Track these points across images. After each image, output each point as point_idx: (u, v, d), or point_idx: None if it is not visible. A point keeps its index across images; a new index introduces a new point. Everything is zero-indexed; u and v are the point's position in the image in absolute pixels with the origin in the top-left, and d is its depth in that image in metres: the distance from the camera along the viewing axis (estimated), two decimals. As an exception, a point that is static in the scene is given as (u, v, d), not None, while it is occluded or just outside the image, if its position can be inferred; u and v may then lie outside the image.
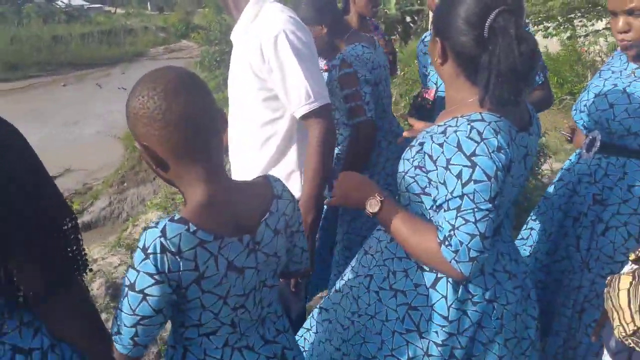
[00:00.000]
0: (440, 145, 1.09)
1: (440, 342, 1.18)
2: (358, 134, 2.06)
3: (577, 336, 1.70)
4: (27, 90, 10.53)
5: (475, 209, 1.05)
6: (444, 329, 1.18)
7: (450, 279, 1.18)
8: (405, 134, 1.69)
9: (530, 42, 1.06)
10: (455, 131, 1.09)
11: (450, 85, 1.22)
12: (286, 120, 1.64)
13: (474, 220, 1.05)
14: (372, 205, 1.22)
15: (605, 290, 1.08)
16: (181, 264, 0.92)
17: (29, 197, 0.93)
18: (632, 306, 0.97)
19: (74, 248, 1.01)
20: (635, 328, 0.96)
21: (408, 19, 10.17)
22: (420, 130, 1.33)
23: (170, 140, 0.93)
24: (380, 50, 2.22)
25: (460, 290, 1.19)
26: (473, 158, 1.05)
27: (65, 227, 0.99)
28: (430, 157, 1.12)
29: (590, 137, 1.62)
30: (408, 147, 1.24)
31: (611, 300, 1.03)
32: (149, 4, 30.74)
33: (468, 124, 1.08)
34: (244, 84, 1.64)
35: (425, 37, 2.18)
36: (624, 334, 0.98)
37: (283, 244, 1.11)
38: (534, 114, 1.27)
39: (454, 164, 1.07)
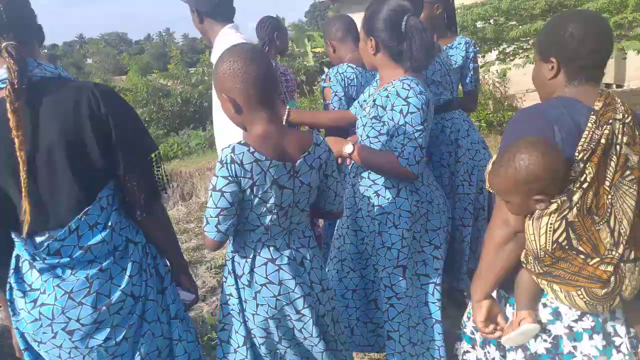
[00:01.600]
0: (387, 97, 1.73)
1: (409, 228, 1.81)
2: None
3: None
4: None
5: (414, 130, 1.68)
6: (409, 219, 1.81)
7: (407, 189, 1.82)
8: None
9: (428, 32, 1.72)
10: (394, 87, 1.72)
11: (382, 67, 1.83)
12: None
13: (414, 138, 1.68)
14: (348, 148, 1.84)
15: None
16: (242, 172, 1.31)
17: (144, 133, 1.41)
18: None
19: (159, 172, 1.43)
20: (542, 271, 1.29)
21: (326, 69, 10.93)
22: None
23: (247, 91, 1.34)
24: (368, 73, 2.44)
25: (414, 195, 1.82)
26: (407, 99, 1.68)
27: (155, 157, 1.41)
28: (381, 106, 1.75)
29: None
30: (362, 107, 1.86)
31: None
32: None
33: (400, 82, 1.73)
34: None
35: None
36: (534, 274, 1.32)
37: (316, 179, 1.48)
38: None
39: (396, 105, 1.70)
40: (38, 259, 1.27)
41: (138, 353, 1.36)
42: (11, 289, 1.31)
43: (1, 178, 1.26)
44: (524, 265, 1.33)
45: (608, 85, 11.96)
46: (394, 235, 1.80)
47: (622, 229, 1.22)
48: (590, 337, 1.30)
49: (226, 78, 1.34)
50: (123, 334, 1.33)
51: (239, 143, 1.33)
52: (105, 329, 1.31)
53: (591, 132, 1.20)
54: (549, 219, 1.21)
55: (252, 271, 1.45)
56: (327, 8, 14.82)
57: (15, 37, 1.23)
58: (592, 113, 1.22)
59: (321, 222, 3.02)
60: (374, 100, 1.79)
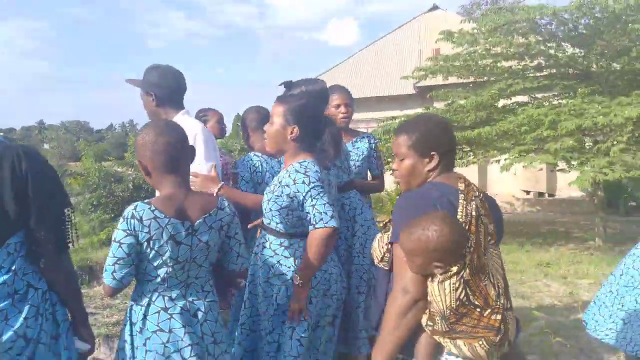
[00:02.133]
0: (289, 176, 1.98)
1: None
2: None
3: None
4: None
5: (318, 195, 1.89)
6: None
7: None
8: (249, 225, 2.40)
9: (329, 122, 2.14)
10: (293, 167, 2.00)
11: (292, 153, 2.08)
12: None
13: (322, 200, 1.89)
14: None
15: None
16: (140, 226, 1.52)
17: (59, 191, 1.58)
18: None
19: (69, 226, 1.63)
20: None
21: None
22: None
23: (153, 159, 1.62)
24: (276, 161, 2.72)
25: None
26: (306, 172, 1.95)
27: (68, 213, 1.60)
28: (286, 185, 1.97)
29: None
30: (270, 188, 2.09)
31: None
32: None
33: (298, 163, 2.01)
34: None
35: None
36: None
37: (216, 239, 1.68)
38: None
39: (298, 179, 1.94)
40: None
41: None
42: None
43: None
44: (429, 329, 1.48)
45: (541, 194, 13.03)
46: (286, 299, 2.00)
47: (499, 283, 1.49)
48: None
49: (139, 147, 1.63)
50: None
51: (142, 202, 1.57)
52: None
53: (464, 208, 1.48)
54: (450, 281, 1.42)
55: (145, 318, 1.58)
56: None
57: None
58: (460, 192, 1.52)
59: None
60: (280, 182, 2.03)
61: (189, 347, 1.58)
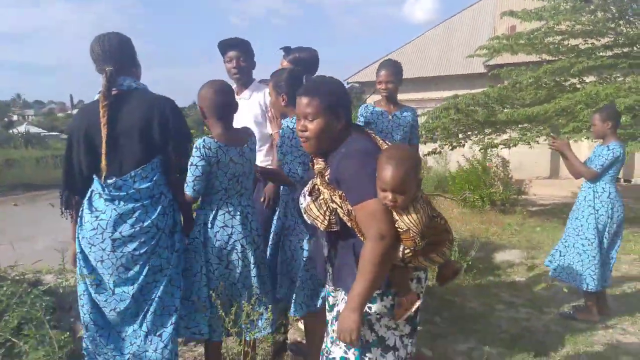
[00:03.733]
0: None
1: None
2: None
3: None
4: (-25, 209, 10.04)
5: (293, 153, 2.40)
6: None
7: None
8: None
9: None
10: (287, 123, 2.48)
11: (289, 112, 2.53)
12: None
13: (295, 157, 2.39)
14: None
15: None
16: (210, 153, 2.20)
17: (188, 132, 2.35)
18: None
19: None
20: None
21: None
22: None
23: (211, 107, 2.31)
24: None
25: None
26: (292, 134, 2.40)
27: (189, 147, 2.33)
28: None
29: None
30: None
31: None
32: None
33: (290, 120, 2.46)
34: None
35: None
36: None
37: (254, 158, 2.50)
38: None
39: (287, 135, 2.42)
40: (106, 191, 2.14)
41: (148, 262, 2.17)
42: (83, 209, 2.18)
43: (96, 144, 2.14)
44: (408, 256, 1.65)
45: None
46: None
47: None
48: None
49: (201, 98, 2.33)
50: (145, 248, 2.15)
51: (207, 137, 2.25)
52: (135, 242, 2.13)
53: None
54: (420, 201, 1.65)
55: (214, 219, 2.30)
56: (362, 92, 15.82)
57: (115, 64, 2.15)
58: (379, 147, 1.75)
59: None
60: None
61: (244, 238, 2.31)
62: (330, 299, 1.98)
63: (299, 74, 2.56)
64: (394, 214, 1.63)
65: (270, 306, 2.41)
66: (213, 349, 2.44)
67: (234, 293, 2.34)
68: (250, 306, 2.25)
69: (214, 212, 2.31)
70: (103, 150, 2.10)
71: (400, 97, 3.81)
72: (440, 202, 8.76)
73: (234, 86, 2.88)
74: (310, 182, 1.86)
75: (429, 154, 8.09)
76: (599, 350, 3.28)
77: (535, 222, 7.68)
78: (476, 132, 8.14)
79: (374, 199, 1.63)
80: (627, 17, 7.16)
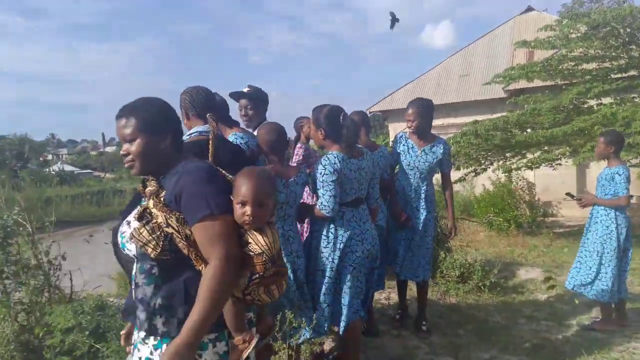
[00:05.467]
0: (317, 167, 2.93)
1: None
2: None
3: None
4: (14, 245, 10.58)
5: (325, 187, 2.82)
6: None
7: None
8: None
9: (353, 122, 3.02)
10: (324, 156, 2.95)
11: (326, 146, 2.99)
12: None
13: (327, 190, 2.83)
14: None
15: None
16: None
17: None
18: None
19: None
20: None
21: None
22: None
23: (269, 146, 2.80)
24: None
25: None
26: (326, 166, 2.84)
27: None
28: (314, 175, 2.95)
29: None
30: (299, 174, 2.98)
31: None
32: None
33: (326, 155, 2.93)
34: None
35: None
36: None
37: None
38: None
39: (320, 171, 2.86)
40: None
41: None
42: None
43: None
44: (256, 282, 1.55)
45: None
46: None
47: None
48: None
49: (262, 138, 2.84)
50: None
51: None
52: None
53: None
54: (273, 228, 1.63)
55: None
56: (384, 119, 16.35)
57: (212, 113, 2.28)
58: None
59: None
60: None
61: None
62: (138, 351, 1.62)
63: (338, 111, 2.94)
64: (248, 236, 1.56)
65: (311, 315, 2.78)
66: (266, 347, 2.77)
67: (278, 305, 2.66)
68: (292, 314, 2.59)
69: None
70: None
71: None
72: (466, 226, 9.02)
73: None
74: (138, 207, 1.64)
75: (455, 182, 8.35)
76: (616, 359, 3.48)
77: (562, 243, 7.78)
78: (497, 156, 8.41)
79: (221, 219, 1.51)
80: (638, 40, 7.42)
